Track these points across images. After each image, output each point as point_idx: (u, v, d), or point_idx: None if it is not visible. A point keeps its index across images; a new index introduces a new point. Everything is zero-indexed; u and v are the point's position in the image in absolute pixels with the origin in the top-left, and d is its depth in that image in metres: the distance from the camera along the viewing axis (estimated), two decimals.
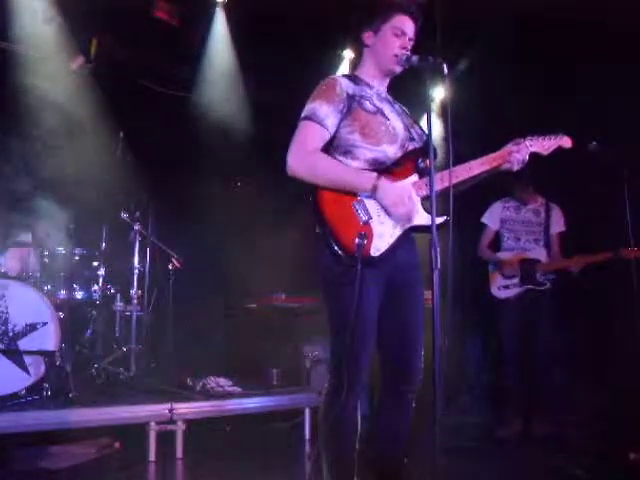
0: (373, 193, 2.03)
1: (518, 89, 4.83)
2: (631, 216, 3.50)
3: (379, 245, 2.02)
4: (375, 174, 2.06)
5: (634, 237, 3.56)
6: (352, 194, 2.06)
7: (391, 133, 2.17)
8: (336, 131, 2.13)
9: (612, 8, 4.31)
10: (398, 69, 2.21)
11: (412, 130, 2.26)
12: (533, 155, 2.27)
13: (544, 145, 2.26)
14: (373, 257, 2.00)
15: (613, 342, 4.48)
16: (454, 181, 2.07)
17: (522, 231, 4.23)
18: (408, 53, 2.16)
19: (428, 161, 2.02)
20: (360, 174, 2.08)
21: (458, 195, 2.16)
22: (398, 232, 2.07)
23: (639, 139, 3.87)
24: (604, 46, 4.43)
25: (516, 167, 2.23)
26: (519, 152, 2.21)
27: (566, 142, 2.28)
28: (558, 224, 4.21)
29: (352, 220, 2.02)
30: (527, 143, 2.24)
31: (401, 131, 2.21)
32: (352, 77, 2.25)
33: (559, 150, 2.28)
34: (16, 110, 4.39)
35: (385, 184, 2.04)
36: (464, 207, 2.44)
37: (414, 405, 2.19)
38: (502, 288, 4.17)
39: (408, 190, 2.08)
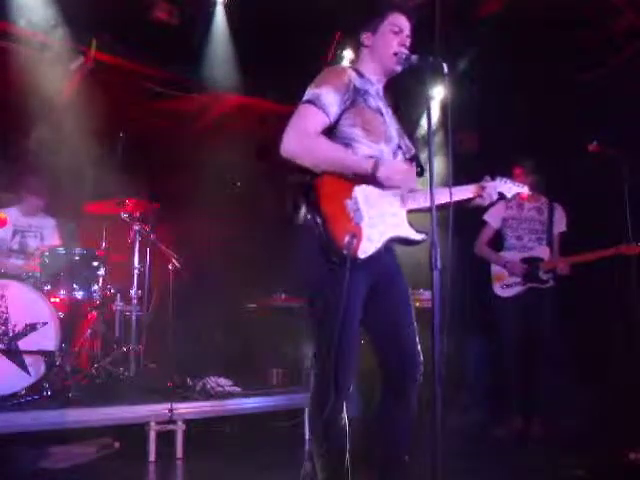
0: (374, 169, 2.04)
1: (518, 88, 4.82)
2: (631, 216, 3.50)
3: (366, 248, 2.02)
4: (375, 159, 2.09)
5: (634, 237, 3.56)
6: (347, 192, 2.05)
7: (387, 134, 2.19)
8: (337, 122, 2.12)
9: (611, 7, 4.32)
10: (398, 68, 2.22)
11: (401, 141, 2.28)
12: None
13: (510, 188, 2.44)
14: (359, 259, 2.00)
15: (613, 342, 4.48)
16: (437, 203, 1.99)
17: (525, 229, 4.21)
18: (407, 51, 2.17)
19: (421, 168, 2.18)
20: (360, 157, 2.09)
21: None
22: (385, 238, 2.07)
23: (639, 139, 3.86)
24: (604, 46, 4.44)
25: (487, 202, 2.34)
26: (488, 189, 2.32)
27: (525, 192, 2.53)
28: (560, 224, 4.20)
29: (344, 218, 2.02)
30: (496, 184, 2.37)
31: (394, 135, 2.24)
32: (357, 71, 2.24)
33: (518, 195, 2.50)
34: (17, 110, 4.39)
35: (387, 160, 2.11)
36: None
37: (415, 404, 2.18)
38: (505, 287, 4.16)
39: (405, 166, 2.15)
